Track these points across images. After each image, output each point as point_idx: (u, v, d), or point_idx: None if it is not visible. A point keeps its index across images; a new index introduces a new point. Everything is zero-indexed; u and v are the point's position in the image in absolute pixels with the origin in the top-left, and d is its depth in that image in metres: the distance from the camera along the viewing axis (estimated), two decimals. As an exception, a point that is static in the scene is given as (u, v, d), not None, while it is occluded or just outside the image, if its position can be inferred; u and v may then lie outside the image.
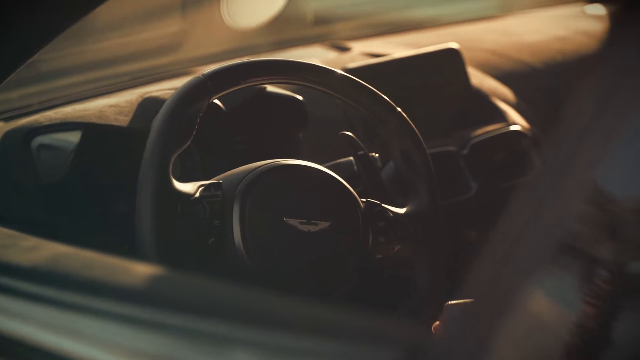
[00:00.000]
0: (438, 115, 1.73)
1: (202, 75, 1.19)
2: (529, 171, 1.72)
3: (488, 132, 1.71)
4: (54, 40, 1.07)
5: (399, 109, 1.28)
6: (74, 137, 1.34)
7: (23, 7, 1.01)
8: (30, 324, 0.80)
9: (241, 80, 1.21)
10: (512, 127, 1.73)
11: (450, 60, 1.74)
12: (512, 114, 1.78)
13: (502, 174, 1.68)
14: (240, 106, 1.44)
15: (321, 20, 2.18)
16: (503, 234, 0.60)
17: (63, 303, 0.79)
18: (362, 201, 1.25)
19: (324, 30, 2.17)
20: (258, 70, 1.23)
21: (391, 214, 1.27)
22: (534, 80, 1.93)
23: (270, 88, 1.49)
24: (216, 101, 1.40)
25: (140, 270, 0.85)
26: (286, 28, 2.10)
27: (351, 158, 1.36)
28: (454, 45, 1.76)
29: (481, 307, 0.58)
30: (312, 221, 1.19)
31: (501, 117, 1.76)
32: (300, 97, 1.50)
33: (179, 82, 1.75)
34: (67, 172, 1.33)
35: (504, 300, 0.57)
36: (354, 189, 1.25)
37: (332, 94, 1.26)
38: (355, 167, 1.35)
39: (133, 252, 1.13)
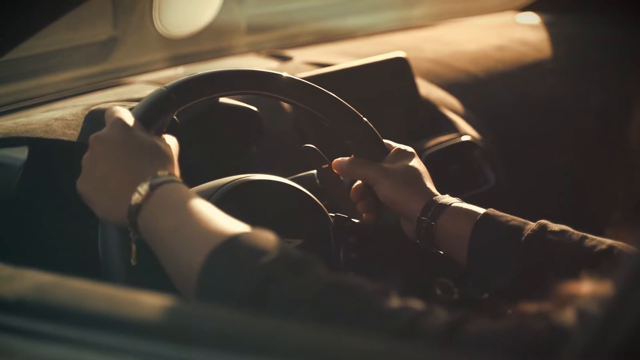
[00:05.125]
0: (389, 126, 1.69)
1: (165, 87, 1.11)
2: (482, 183, 1.71)
3: (441, 142, 1.68)
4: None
5: (365, 119, 1.24)
6: (19, 153, 1.25)
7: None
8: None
9: (206, 91, 1.15)
10: (464, 138, 1.71)
11: (399, 69, 1.71)
12: (462, 123, 1.76)
13: (457, 185, 1.65)
14: (194, 119, 1.37)
15: (254, 28, 2.12)
16: None
17: (55, 337, 0.72)
18: (331, 216, 1.21)
19: (257, 38, 2.12)
20: (224, 81, 1.16)
21: (361, 229, 1.22)
22: (477, 89, 1.92)
23: (223, 99, 1.42)
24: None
25: (132, 299, 0.79)
26: (219, 36, 2.04)
27: (313, 172, 1.31)
28: (401, 54, 1.72)
29: None
30: (285, 239, 1.14)
31: (451, 127, 1.74)
32: (255, 108, 1.44)
33: (113, 93, 1.67)
34: (13, 191, 1.23)
35: None
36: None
37: (299, 104, 1.21)
38: (317, 181, 1.30)
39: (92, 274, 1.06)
